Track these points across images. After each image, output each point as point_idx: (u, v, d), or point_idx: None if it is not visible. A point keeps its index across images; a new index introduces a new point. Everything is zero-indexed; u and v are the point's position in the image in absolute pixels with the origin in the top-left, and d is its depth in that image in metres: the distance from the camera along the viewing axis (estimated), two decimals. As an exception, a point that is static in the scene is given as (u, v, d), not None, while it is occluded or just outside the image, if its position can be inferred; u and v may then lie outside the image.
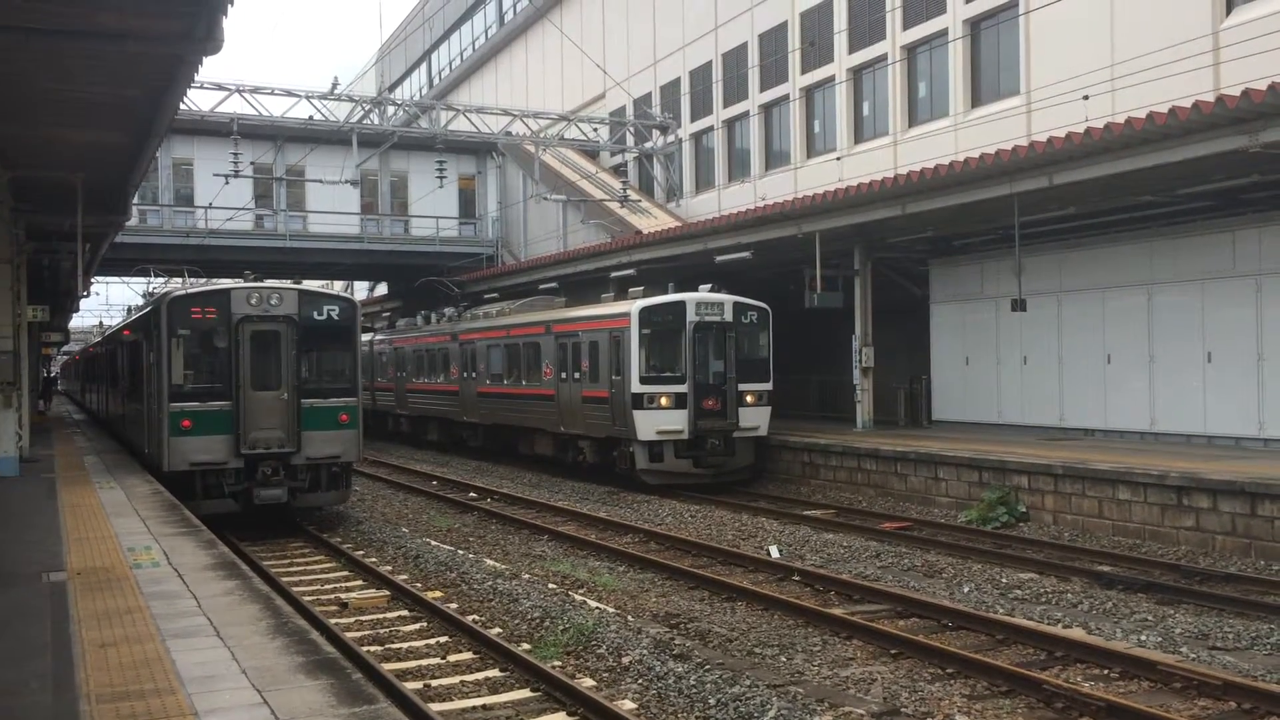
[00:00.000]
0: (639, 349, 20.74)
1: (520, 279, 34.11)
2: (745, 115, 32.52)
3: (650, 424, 20.58)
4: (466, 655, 10.03)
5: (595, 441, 22.49)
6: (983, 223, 20.47)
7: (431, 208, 38.71)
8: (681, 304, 21.21)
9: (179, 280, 24.31)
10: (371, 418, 37.84)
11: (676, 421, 20.71)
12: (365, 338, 38.51)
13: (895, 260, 24.72)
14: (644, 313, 20.95)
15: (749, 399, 21.33)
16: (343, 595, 12.58)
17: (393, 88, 58.48)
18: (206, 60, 10.96)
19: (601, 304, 23.47)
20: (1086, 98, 19.16)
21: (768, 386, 21.77)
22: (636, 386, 20.62)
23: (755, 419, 21.45)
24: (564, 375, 23.33)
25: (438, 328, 32.21)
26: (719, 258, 23.87)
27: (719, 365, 21.22)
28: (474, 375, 28.51)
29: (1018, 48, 23.19)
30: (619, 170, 38.63)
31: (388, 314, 48.83)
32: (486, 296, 34.54)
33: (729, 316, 21.35)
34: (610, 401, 21.36)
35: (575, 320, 23.35)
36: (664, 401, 20.64)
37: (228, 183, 31.33)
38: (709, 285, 22.15)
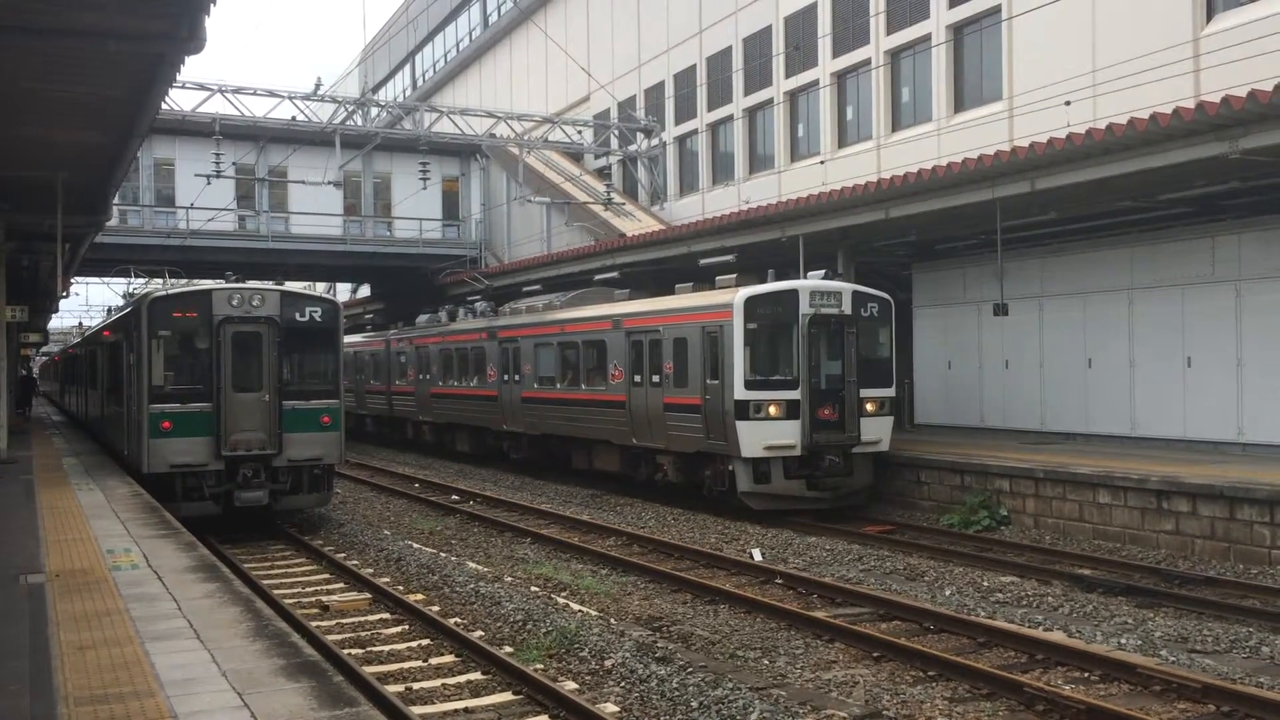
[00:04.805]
0: (744, 347, 17.62)
1: (504, 281, 34.05)
2: (729, 119, 32.55)
3: (757, 437, 17.45)
4: (449, 658, 10.01)
5: (680, 457, 19.43)
6: (965, 227, 20.54)
7: (415, 209, 38.60)
8: (794, 293, 18.02)
9: (160, 281, 24.15)
10: (387, 425, 36.28)
11: (788, 434, 17.58)
12: (373, 336, 38.10)
13: (878, 264, 24.79)
14: (750, 303, 17.79)
15: (869, 407, 18.22)
16: (324, 598, 12.52)
17: (376, 89, 58.30)
18: (189, 60, 10.94)
19: (689, 294, 20.10)
20: (1069, 103, 19.26)
21: (890, 393, 18.79)
22: (741, 392, 17.47)
23: (877, 431, 18.38)
24: (638, 378, 20.22)
25: (471, 324, 29.26)
26: (703, 261, 23.87)
27: (835, 367, 18.13)
28: (518, 378, 25.34)
29: (1001, 53, 23.29)
30: (603, 173, 38.61)
31: (370, 315, 48.69)
32: (469, 298, 34.39)
33: (848, 309, 18.26)
34: (704, 410, 18.24)
35: (655, 314, 20.17)
36: (773, 410, 17.49)
37: (209, 183, 31.15)
38: (822, 271, 19.21)
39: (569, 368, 23.23)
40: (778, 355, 18.07)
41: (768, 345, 18.06)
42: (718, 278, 19.88)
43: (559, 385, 23.57)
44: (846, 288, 18.69)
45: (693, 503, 19.50)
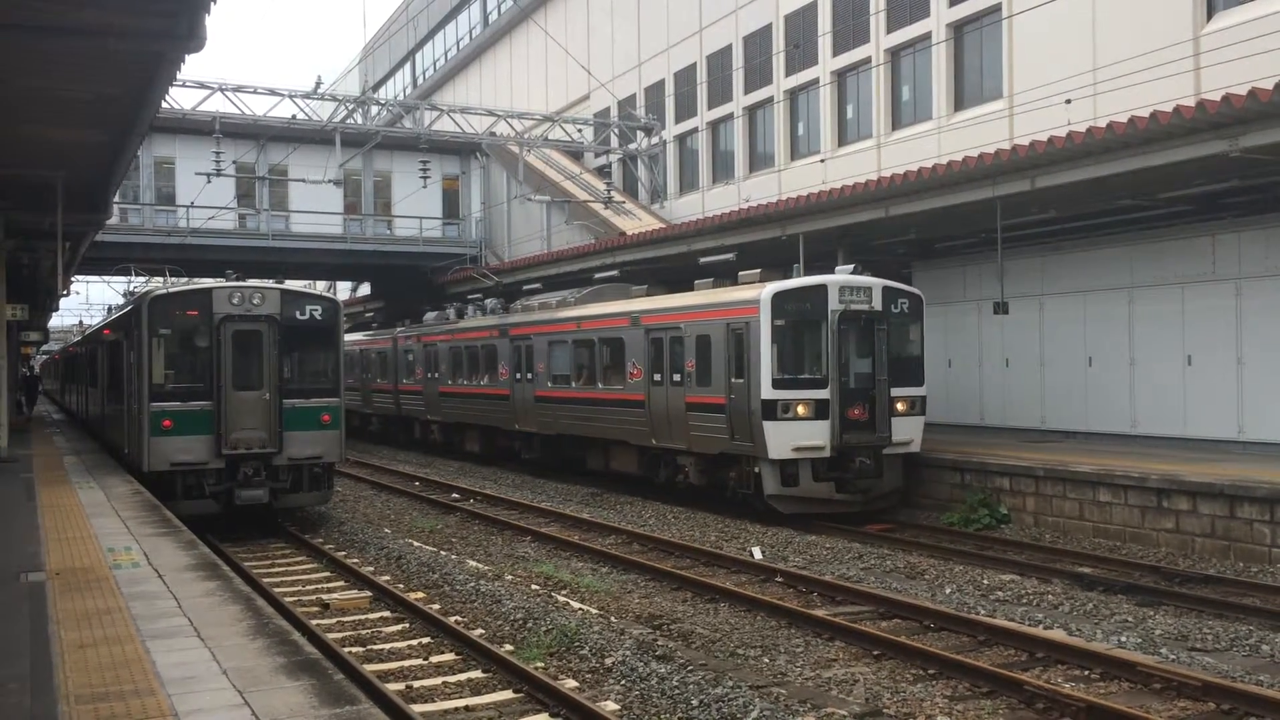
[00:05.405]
0: (771, 345, 17.07)
1: (506, 279, 34.04)
2: (729, 117, 32.55)
3: (785, 438, 16.92)
4: (449, 656, 10.01)
5: (703, 458, 18.88)
6: (965, 226, 20.54)
7: (415, 208, 38.60)
8: (823, 288, 17.46)
9: (160, 279, 24.15)
10: (394, 424, 35.82)
11: (817, 435, 17.07)
12: (379, 334, 37.96)
13: (879, 263, 24.70)
14: (778, 299, 17.21)
15: (899, 407, 17.72)
16: (324, 596, 12.53)
17: (376, 87, 58.29)
18: (189, 58, 10.94)
19: (711, 290, 19.52)
20: (1069, 102, 19.25)
21: (921, 392, 18.29)
22: (768, 392, 16.91)
23: (908, 431, 17.88)
24: (658, 377, 19.70)
25: (482, 321, 28.54)
26: (703, 259, 23.85)
27: (865, 365, 17.62)
28: (530, 377, 24.77)
29: (1001, 52, 23.28)
30: (603, 171, 38.61)
31: (370, 313, 48.68)
32: (470, 296, 34.36)
33: (878, 304, 17.76)
34: (728, 410, 17.69)
35: (676, 310, 19.66)
36: (801, 410, 16.96)
37: (210, 182, 31.16)
38: (851, 266, 18.72)
39: (585, 366, 22.74)
40: (806, 353, 17.51)
41: (795, 342, 17.52)
42: (740, 274, 19.34)
43: (574, 384, 23.05)
44: (877, 283, 18.10)
45: (693, 501, 19.50)
